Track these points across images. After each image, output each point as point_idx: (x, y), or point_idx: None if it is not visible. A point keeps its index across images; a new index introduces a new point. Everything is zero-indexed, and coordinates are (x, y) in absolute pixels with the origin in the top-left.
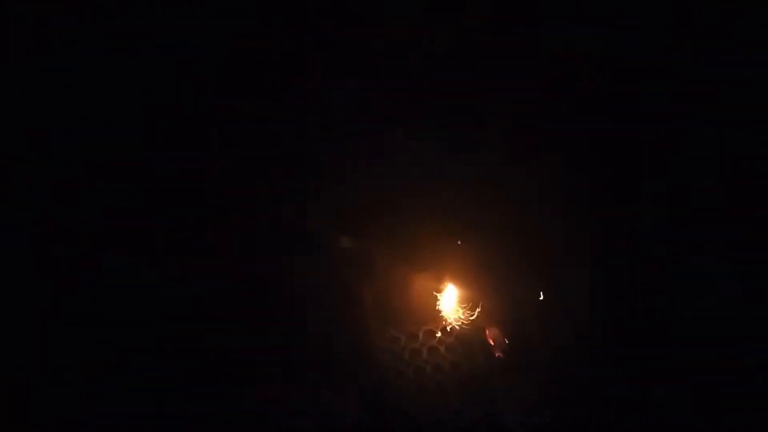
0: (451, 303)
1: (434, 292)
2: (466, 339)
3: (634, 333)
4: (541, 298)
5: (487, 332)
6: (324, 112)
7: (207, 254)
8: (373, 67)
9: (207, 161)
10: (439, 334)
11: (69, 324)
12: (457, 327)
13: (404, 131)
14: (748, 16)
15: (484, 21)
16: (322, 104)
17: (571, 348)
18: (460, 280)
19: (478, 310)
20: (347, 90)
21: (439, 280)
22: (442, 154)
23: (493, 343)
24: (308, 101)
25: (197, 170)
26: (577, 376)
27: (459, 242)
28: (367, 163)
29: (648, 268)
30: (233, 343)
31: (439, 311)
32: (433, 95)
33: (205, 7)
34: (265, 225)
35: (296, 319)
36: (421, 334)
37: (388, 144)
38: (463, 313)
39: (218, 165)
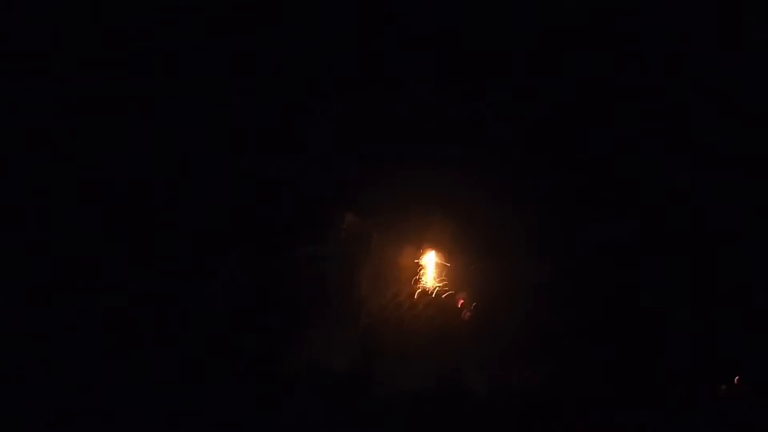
0: (432, 271)
1: (419, 263)
2: (441, 300)
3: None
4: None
5: (458, 297)
6: (324, 111)
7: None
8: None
9: (206, 159)
10: (419, 294)
11: (70, 324)
12: (435, 290)
13: (404, 133)
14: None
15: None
16: (321, 103)
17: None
18: (441, 254)
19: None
20: (342, 87)
21: (424, 254)
22: (433, 147)
23: (461, 305)
24: (307, 99)
25: (197, 168)
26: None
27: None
28: (365, 156)
29: (617, 262)
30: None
31: (421, 277)
32: (425, 95)
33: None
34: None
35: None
36: (404, 293)
37: (386, 141)
38: (441, 280)
39: (221, 161)
